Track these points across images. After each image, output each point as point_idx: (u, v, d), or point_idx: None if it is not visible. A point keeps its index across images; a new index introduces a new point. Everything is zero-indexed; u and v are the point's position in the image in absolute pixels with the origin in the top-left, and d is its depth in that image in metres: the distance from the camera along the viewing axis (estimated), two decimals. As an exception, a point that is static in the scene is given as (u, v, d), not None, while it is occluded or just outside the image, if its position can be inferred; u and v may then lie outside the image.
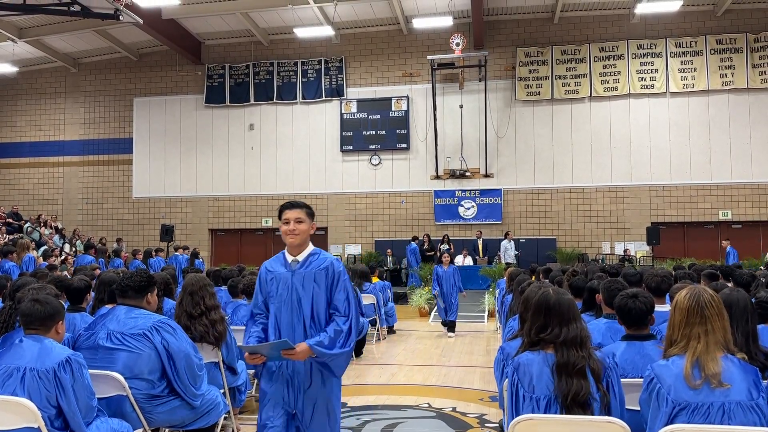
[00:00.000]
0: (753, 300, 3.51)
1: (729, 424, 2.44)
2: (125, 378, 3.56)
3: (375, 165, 20.73)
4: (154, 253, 15.68)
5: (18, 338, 3.26)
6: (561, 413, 2.63)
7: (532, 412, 2.66)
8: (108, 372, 3.55)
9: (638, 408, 3.13)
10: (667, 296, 4.70)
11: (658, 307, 3.87)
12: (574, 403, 2.60)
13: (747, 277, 5.82)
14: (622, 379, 3.08)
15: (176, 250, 17.32)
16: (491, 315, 13.02)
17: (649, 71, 19.39)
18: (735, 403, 2.46)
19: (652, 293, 4.41)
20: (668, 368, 2.58)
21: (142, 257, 15.41)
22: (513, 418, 2.68)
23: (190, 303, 4.48)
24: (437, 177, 20.26)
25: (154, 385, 3.69)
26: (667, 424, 2.49)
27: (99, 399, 3.39)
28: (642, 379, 3.15)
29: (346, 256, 20.33)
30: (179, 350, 3.74)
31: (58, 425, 3.12)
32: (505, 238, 18.54)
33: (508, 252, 18.06)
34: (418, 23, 18.91)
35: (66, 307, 4.49)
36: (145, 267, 13.65)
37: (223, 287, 7.24)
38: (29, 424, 3.00)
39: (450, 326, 11.01)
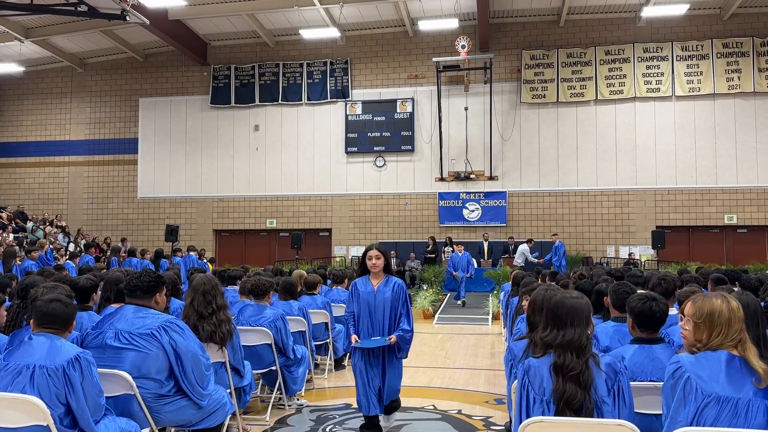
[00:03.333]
0: (762, 304, 3.50)
1: (750, 422, 2.44)
2: (133, 377, 3.56)
3: (379, 167, 20.74)
4: (179, 253, 15.87)
5: (27, 336, 3.26)
6: (555, 414, 2.64)
7: (543, 414, 2.65)
8: (116, 371, 3.55)
9: (647, 412, 3.13)
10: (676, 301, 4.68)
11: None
12: (567, 407, 2.61)
13: (755, 282, 5.80)
14: (631, 383, 3.07)
15: (189, 250, 17.38)
16: (496, 318, 13.00)
17: (655, 75, 19.36)
18: (761, 401, 2.47)
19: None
20: (699, 360, 2.56)
21: (152, 257, 15.48)
22: (523, 420, 2.67)
23: (202, 302, 4.49)
24: (442, 179, 20.25)
25: (161, 384, 3.69)
26: (695, 417, 2.48)
27: (107, 398, 3.39)
28: (651, 383, 3.15)
29: (350, 257, 20.34)
30: (187, 350, 3.74)
31: (67, 423, 3.12)
32: (528, 242, 18.12)
33: (526, 256, 17.60)
34: (424, 25, 18.94)
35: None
36: (155, 267, 13.69)
37: (229, 287, 7.25)
38: (38, 422, 3.00)
39: (387, 411, 5.25)
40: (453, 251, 16.80)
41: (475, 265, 17.49)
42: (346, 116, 20.90)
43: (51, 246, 16.66)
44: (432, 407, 6.05)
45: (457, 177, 20.04)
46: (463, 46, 18.91)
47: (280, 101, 21.37)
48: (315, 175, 21.10)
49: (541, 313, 2.88)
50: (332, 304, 7.76)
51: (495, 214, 19.92)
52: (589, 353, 2.72)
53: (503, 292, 11.10)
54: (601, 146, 19.60)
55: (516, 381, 2.87)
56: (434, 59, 19.25)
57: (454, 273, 15.68)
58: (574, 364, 2.65)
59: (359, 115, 20.85)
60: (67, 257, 15.46)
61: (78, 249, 18.36)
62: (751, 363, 2.51)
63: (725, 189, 19.00)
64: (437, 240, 19.40)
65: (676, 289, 5.04)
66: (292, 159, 21.25)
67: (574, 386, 2.62)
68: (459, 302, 15.29)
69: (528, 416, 2.68)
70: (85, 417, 3.13)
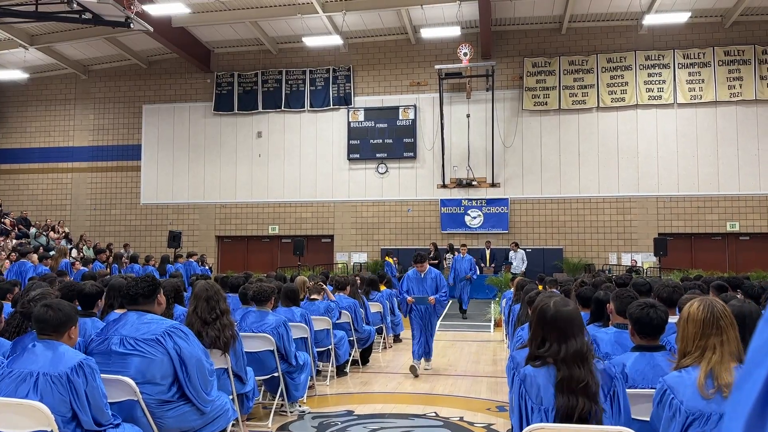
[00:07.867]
0: (765, 311, 3.50)
1: None
2: (137, 383, 3.58)
3: (382, 173, 20.78)
4: (180, 259, 15.92)
5: (30, 343, 3.29)
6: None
7: (541, 422, 2.67)
8: (120, 377, 3.57)
9: (647, 419, 3.14)
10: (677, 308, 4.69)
11: (669, 318, 3.86)
12: (577, 420, 2.60)
13: (757, 289, 5.81)
14: (632, 390, 3.09)
15: (190, 257, 17.40)
16: (498, 324, 12.99)
17: (657, 82, 19.40)
18: None
19: (663, 304, 4.40)
20: (681, 378, 2.59)
21: (156, 263, 15.51)
22: (521, 429, 2.68)
23: (205, 309, 4.51)
24: (444, 186, 20.28)
25: (165, 390, 3.71)
26: None
27: (111, 403, 3.41)
28: (652, 390, 3.15)
29: (352, 263, 20.35)
30: (191, 355, 3.76)
31: (71, 429, 3.14)
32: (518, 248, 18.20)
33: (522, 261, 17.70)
34: (426, 33, 19.01)
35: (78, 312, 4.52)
36: (160, 273, 13.70)
37: (231, 294, 7.27)
38: (43, 428, 3.02)
39: None
40: (413, 267, 8.95)
41: (472, 271, 17.14)
42: (349, 123, 20.96)
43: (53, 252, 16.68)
44: (434, 414, 6.05)
45: (459, 184, 20.07)
46: (465, 54, 18.98)
47: (282, 108, 21.45)
48: (317, 181, 21.14)
49: (540, 325, 2.83)
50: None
51: (497, 221, 19.94)
52: (591, 361, 2.70)
53: (505, 299, 11.10)
54: (603, 153, 19.62)
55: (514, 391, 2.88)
56: (436, 66, 19.32)
57: (408, 298, 8.58)
58: (581, 375, 2.59)
59: (361, 122, 20.92)
60: (72, 262, 15.47)
61: (80, 255, 18.38)
62: (717, 375, 2.52)
63: (727, 196, 19.00)
64: (439, 246, 19.39)
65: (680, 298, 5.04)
66: (295, 165, 21.31)
67: (582, 398, 2.57)
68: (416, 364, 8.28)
69: (527, 425, 2.69)
70: (89, 422, 3.15)
